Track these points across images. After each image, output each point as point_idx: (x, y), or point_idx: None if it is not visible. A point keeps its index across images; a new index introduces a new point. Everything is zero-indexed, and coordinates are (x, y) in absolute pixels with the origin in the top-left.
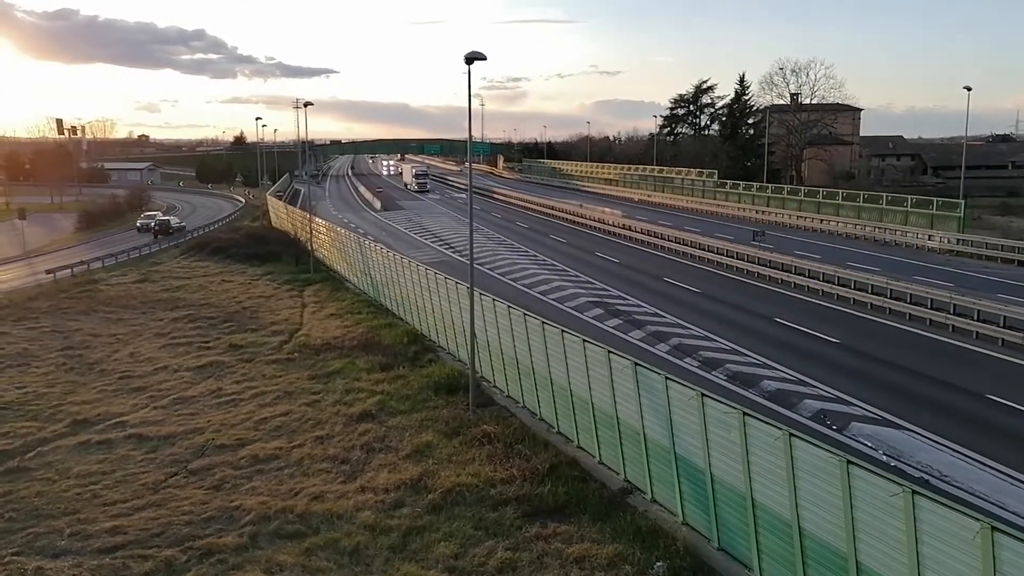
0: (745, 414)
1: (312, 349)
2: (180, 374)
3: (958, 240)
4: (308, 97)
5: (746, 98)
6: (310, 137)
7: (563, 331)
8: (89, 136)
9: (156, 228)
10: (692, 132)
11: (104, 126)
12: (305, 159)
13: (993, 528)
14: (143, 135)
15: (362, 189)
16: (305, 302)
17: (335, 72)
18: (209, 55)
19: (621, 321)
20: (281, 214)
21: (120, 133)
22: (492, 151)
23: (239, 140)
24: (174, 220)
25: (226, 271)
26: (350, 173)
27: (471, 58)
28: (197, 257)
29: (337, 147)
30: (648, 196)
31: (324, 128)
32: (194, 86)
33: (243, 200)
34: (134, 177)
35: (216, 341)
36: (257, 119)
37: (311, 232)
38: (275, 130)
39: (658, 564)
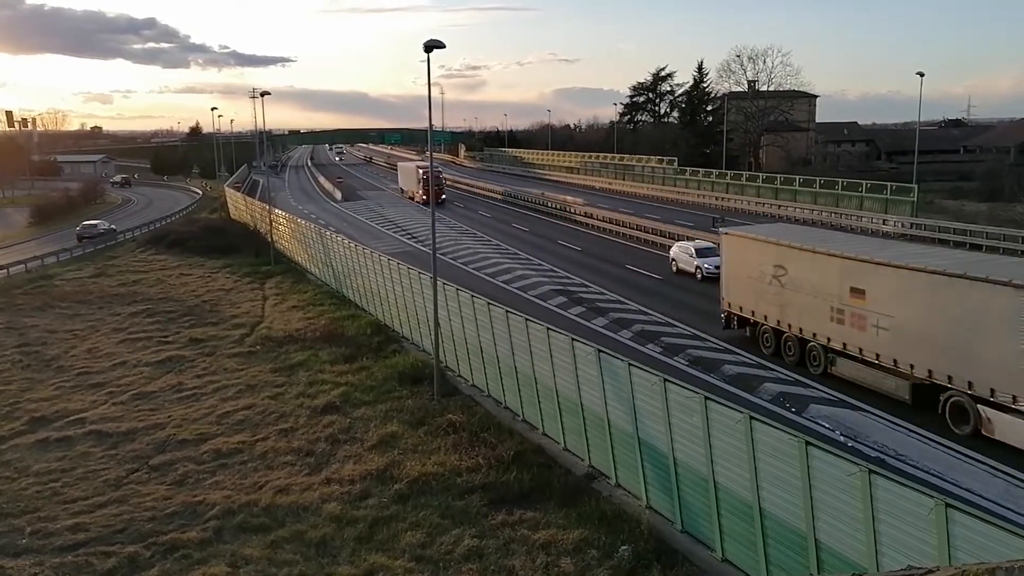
0: (707, 398)
1: (274, 342)
2: (139, 369)
3: (911, 224)
4: (264, 86)
5: (704, 85)
6: (268, 127)
7: (527, 319)
8: (40, 128)
9: (80, 233)
10: (652, 119)
11: (55, 118)
12: (263, 149)
13: (947, 505)
14: (96, 127)
15: (322, 179)
16: (266, 294)
17: (291, 61)
18: (161, 44)
19: (584, 309)
20: (240, 206)
21: (72, 125)
22: (453, 140)
23: (195, 131)
24: (101, 225)
25: (184, 264)
26: (310, 163)
27: (430, 46)
28: (154, 250)
29: (296, 137)
30: (609, 184)
31: (282, 118)
32: (147, 76)
33: (200, 192)
34: (87, 170)
35: (176, 335)
36: (213, 109)
37: (271, 224)
38: (232, 120)
39: (623, 548)
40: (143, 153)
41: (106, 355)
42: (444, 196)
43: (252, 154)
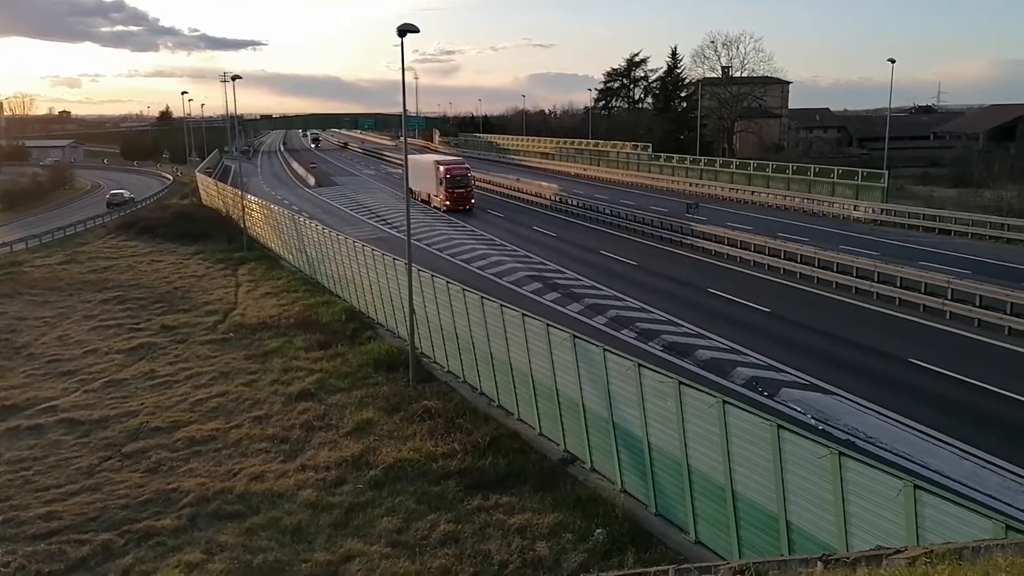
0: (680, 383)
1: (248, 329)
2: (111, 356)
3: (882, 210)
4: (235, 70)
5: (678, 71)
6: (239, 111)
7: (502, 305)
8: (7, 113)
9: (109, 200)
10: (626, 105)
11: (23, 102)
12: (235, 135)
13: (916, 486)
14: (64, 111)
15: (295, 165)
16: (239, 281)
17: (263, 44)
18: (130, 27)
19: (559, 294)
20: (211, 192)
21: (40, 109)
22: (427, 125)
23: (165, 115)
24: (126, 193)
25: (155, 251)
26: (282, 149)
27: (404, 30)
28: (125, 237)
29: (268, 122)
30: (584, 170)
31: (254, 102)
32: (116, 60)
33: (171, 177)
34: (56, 155)
35: (147, 323)
36: (183, 93)
37: (243, 210)
38: (202, 105)
39: (598, 531)
40: (113, 138)
41: (77, 342)
42: (474, 200)
43: (223, 139)
